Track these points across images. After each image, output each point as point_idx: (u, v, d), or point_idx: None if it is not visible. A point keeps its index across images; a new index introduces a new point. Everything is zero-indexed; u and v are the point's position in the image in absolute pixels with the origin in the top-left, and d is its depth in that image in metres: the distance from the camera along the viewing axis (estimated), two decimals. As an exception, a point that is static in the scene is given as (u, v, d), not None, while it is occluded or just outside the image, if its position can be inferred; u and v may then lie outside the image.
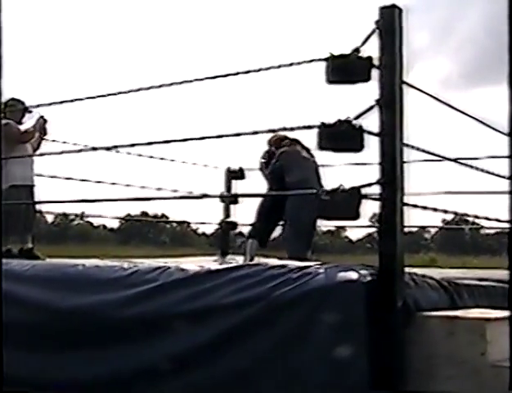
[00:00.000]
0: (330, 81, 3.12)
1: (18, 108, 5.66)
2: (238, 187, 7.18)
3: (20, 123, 5.76)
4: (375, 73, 3.01)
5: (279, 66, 3.42)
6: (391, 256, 2.87)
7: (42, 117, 5.80)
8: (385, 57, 2.96)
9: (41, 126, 5.84)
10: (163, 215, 28.27)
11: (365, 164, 5.52)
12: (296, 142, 6.29)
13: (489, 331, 2.67)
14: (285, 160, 6.20)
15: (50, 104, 4.46)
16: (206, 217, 7.78)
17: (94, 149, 4.51)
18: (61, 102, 4.26)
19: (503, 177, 4.24)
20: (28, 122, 5.78)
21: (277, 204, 6.10)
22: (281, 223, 6.20)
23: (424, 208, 3.28)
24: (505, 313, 2.83)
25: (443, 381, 2.71)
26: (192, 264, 3.47)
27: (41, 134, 5.91)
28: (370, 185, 3.01)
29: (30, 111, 5.77)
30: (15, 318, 3.29)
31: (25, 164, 5.59)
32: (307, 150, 6.30)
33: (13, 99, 5.64)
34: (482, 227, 11.71)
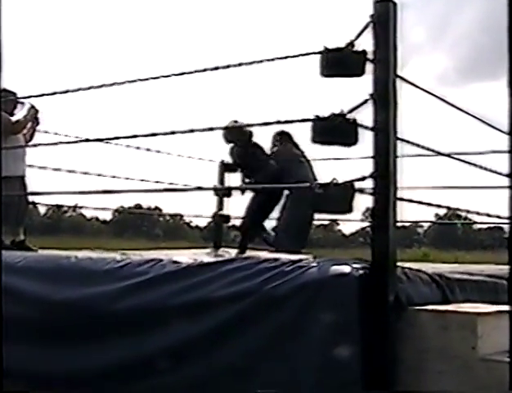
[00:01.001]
0: (325, 74, 3.12)
1: (9, 99, 5.62)
2: (231, 180, 7.17)
3: (12, 114, 5.72)
4: (369, 67, 3.00)
5: (273, 59, 3.42)
6: (383, 250, 2.88)
7: (33, 107, 5.76)
8: (379, 51, 2.95)
9: (32, 116, 5.81)
10: (156, 208, 28.24)
11: (359, 158, 5.53)
12: (287, 136, 6.24)
13: (480, 325, 2.68)
14: (283, 161, 6.14)
15: (42, 95, 4.43)
16: (199, 210, 7.78)
17: (87, 140, 4.49)
18: (54, 94, 4.23)
19: (497, 172, 4.25)
20: (19, 112, 5.74)
21: (269, 203, 6.14)
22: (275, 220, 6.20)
23: (418, 202, 3.29)
24: (496, 308, 2.85)
25: (434, 376, 2.72)
26: (185, 256, 3.46)
27: (33, 124, 5.88)
28: (363, 179, 3.01)
29: (22, 102, 5.74)
30: (6, 310, 3.28)
31: (17, 156, 5.56)
32: (297, 146, 6.27)
33: (4, 90, 5.59)
34: (474, 222, 11.74)
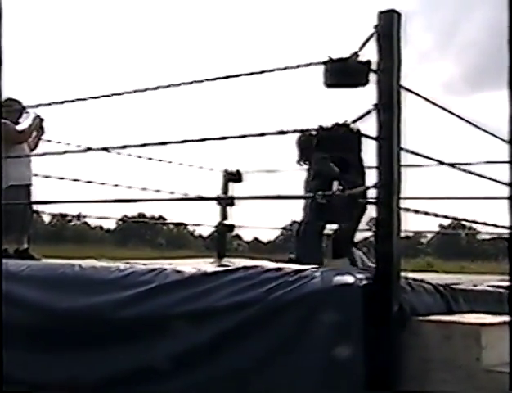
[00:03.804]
0: (329, 84, 3.13)
1: (15, 108, 5.66)
2: (235, 189, 7.17)
3: (17, 123, 5.75)
4: (373, 77, 3.01)
5: (278, 69, 3.43)
6: (387, 260, 2.87)
7: (38, 116, 5.79)
8: (383, 61, 2.96)
9: (37, 125, 5.84)
10: (160, 217, 28.24)
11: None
12: None
13: (484, 336, 2.67)
14: None
15: (48, 104, 4.45)
16: (203, 219, 7.78)
17: (90, 149, 4.51)
18: (60, 103, 4.25)
19: (500, 182, 4.25)
20: (24, 122, 5.77)
21: None
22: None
23: (421, 212, 3.29)
24: (500, 319, 2.84)
25: (438, 385, 2.71)
26: (188, 266, 3.46)
27: (38, 133, 5.91)
28: (367, 189, 3.02)
29: (27, 111, 5.77)
30: (10, 318, 3.29)
31: (22, 164, 5.58)
32: None
33: (10, 99, 5.63)
34: (478, 232, 11.71)
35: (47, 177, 5.95)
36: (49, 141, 6.02)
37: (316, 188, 5.81)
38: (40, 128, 5.90)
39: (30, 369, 3.53)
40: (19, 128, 5.68)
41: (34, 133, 5.86)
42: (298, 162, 6.15)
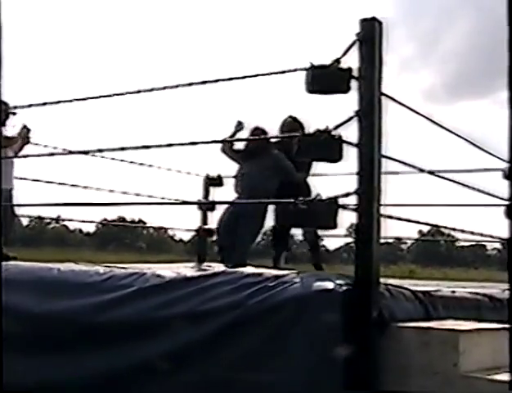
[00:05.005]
0: (310, 91, 3.14)
1: (1, 109, 5.65)
2: (216, 194, 7.17)
3: (4, 124, 5.78)
4: (354, 84, 3.03)
5: (260, 75, 3.44)
6: (367, 267, 2.89)
7: (25, 127, 5.89)
8: (364, 69, 2.98)
9: (24, 135, 5.93)
10: (140, 221, 28.07)
11: (343, 174, 5.53)
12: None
13: (462, 342, 2.70)
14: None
15: (32, 105, 4.43)
16: (184, 223, 7.76)
17: (71, 153, 4.48)
18: (44, 104, 4.23)
19: (478, 190, 4.30)
20: (12, 130, 5.86)
21: None
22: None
23: (401, 219, 3.31)
24: (478, 325, 2.87)
25: (416, 391, 2.73)
26: (169, 270, 3.46)
27: (23, 140, 5.97)
28: (347, 195, 3.03)
29: (14, 113, 5.79)
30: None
31: (6, 168, 5.60)
32: None
33: (-3, 101, 5.61)
34: (457, 239, 11.82)
35: (29, 180, 5.92)
36: (36, 144, 6.04)
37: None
38: (26, 137, 5.97)
39: (7, 373, 3.49)
40: (7, 134, 5.75)
41: (19, 141, 5.93)
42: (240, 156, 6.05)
